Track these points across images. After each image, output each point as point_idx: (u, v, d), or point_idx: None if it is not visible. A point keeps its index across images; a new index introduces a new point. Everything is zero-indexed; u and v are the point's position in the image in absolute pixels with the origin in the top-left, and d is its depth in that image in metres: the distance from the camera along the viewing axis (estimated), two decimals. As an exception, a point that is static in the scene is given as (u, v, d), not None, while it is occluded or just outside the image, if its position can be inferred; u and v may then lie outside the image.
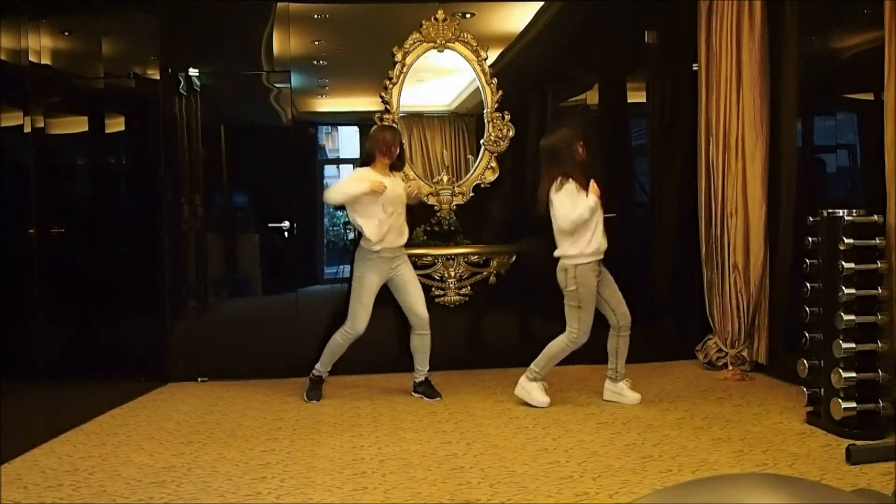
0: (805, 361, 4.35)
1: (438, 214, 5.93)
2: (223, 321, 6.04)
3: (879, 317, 4.12)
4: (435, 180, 5.96)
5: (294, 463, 3.94)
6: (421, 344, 5.11)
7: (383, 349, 5.64)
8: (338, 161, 6.45)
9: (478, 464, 3.85)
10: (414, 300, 5.06)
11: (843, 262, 4.11)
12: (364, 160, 5.09)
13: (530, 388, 4.85)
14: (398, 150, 5.03)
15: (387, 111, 5.88)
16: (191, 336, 5.86)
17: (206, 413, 4.93)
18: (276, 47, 5.89)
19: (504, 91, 5.97)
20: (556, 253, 4.80)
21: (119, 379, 5.33)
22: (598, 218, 4.74)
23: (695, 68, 5.88)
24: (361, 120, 6.05)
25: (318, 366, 5.15)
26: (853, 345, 4.08)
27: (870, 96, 4.56)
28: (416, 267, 5.87)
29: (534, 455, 3.96)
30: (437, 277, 5.94)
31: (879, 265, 4.15)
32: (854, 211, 4.21)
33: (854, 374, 4.07)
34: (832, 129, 5.33)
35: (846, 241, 4.12)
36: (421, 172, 5.98)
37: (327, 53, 6.05)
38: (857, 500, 1.58)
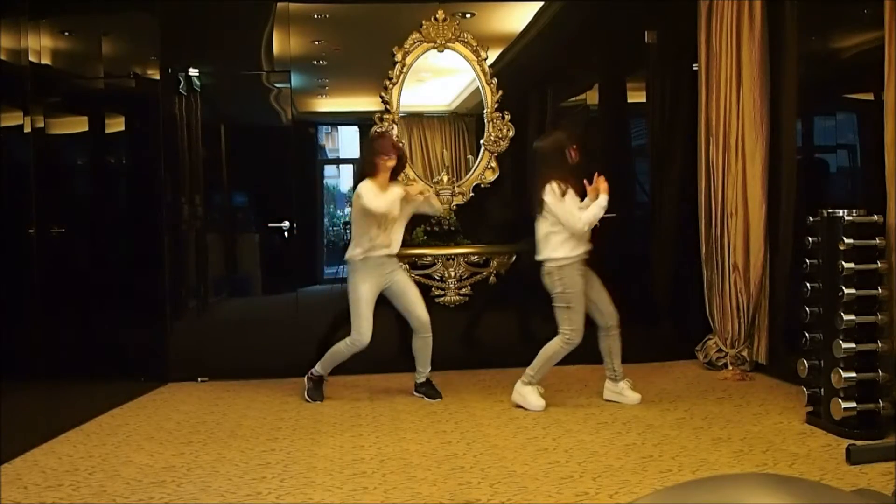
0: (805, 361, 4.35)
1: (438, 214, 5.93)
2: (223, 321, 6.04)
3: (879, 317, 4.12)
4: (435, 180, 5.96)
5: (294, 463, 3.93)
6: (423, 347, 5.11)
7: (383, 349, 5.63)
8: (338, 161, 6.45)
9: (478, 464, 3.85)
10: (413, 304, 5.06)
11: (843, 262, 4.11)
12: (365, 171, 4.99)
13: (525, 393, 4.84)
14: (399, 153, 5.02)
15: (387, 111, 5.89)
16: (191, 336, 5.86)
17: (206, 413, 4.93)
18: (276, 47, 5.90)
19: (504, 91, 5.97)
20: (540, 256, 4.80)
21: (119, 379, 5.33)
22: None
23: (695, 68, 5.88)
24: (361, 120, 6.05)
25: (318, 367, 5.15)
26: (853, 345, 4.07)
27: (870, 96, 4.56)
28: (415, 267, 5.90)
29: (534, 455, 3.96)
30: (437, 277, 5.94)
31: (879, 265, 4.15)
32: (854, 211, 4.21)
33: (854, 374, 4.07)
34: (832, 129, 5.33)
35: (846, 241, 4.12)
36: (421, 172, 5.98)
37: (327, 53, 6.05)
38: (857, 500, 1.58)
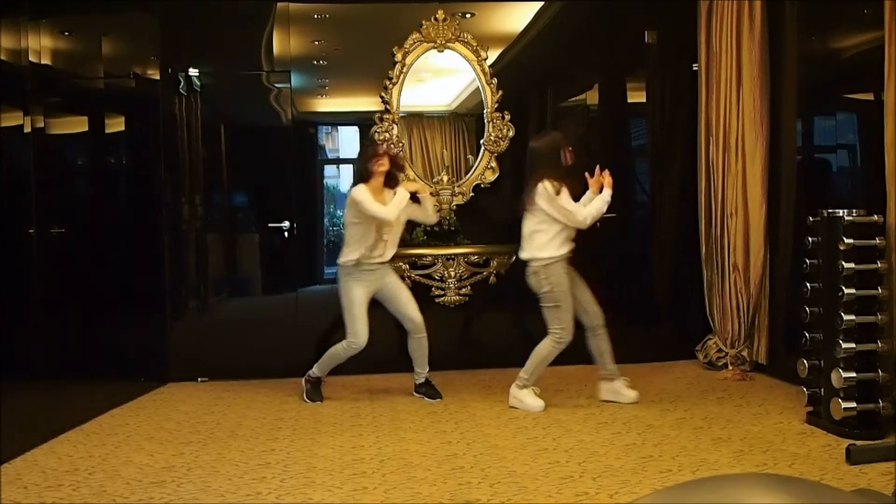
0: (805, 361, 4.35)
1: (438, 214, 5.93)
2: (223, 321, 6.04)
3: (879, 317, 4.12)
4: (435, 180, 5.96)
5: (294, 463, 3.93)
6: (419, 347, 5.10)
7: (383, 349, 5.63)
8: (338, 161, 6.45)
9: (478, 464, 3.85)
10: (406, 306, 5.06)
11: (843, 262, 4.11)
12: (361, 176, 5.00)
13: (521, 396, 4.84)
14: (392, 157, 5.02)
15: (387, 111, 5.89)
16: (191, 336, 5.86)
17: (206, 413, 4.93)
18: (276, 47, 5.90)
19: (504, 91, 5.97)
20: (525, 255, 4.80)
21: (119, 379, 5.34)
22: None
23: (695, 68, 5.88)
24: (361, 120, 6.05)
25: (315, 370, 5.15)
26: (853, 345, 4.08)
27: (870, 96, 4.56)
28: (415, 267, 5.90)
29: (534, 455, 3.96)
30: (437, 277, 5.94)
31: (879, 265, 4.15)
32: (854, 211, 4.21)
33: (854, 374, 4.06)
34: (832, 129, 5.33)
35: (846, 241, 4.12)
36: (421, 172, 5.98)
37: (327, 53, 6.05)
38: (857, 500, 1.58)
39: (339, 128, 6.37)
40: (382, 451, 4.09)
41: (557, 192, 4.65)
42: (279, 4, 5.87)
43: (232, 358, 5.83)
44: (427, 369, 5.15)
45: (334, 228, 6.27)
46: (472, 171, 6.01)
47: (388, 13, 6.01)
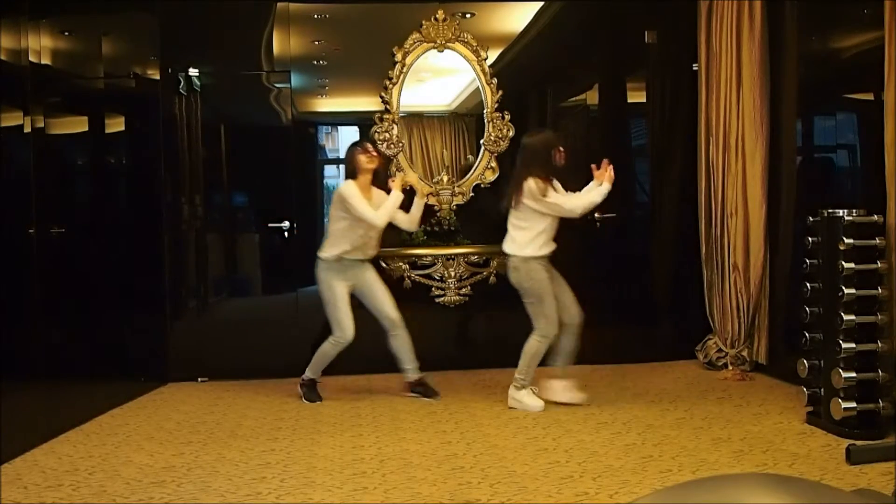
0: (805, 361, 4.35)
1: (438, 214, 5.93)
2: (223, 321, 6.04)
3: (879, 317, 4.12)
4: (435, 180, 5.96)
5: (294, 463, 3.94)
6: (401, 344, 5.09)
7: (383, 349, 5.62)
8: (338, 161, 6.44)
9: (478, 464, 3.85)
10: (382, 303, 5.06)
11: (843, 262, 4.11)
12: (347, 173, 5.06)
13: (520, 397, 4.84)
14: (375, 156, 5.03)
15: (387, 111, 5.89)
16: (191, 336, 5.86)
17: (206, 413, 4.93)
18: (276, 47, 5.89)
19: (504, 91, 5.96)
20: (507, 250, 4.81)
21: (119, 379, 5.34)
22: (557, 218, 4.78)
23: (695, 68, 5.88)
24: (361, 120, 6.05)
25: (307, 372, 5.15)
26: (853, 345, 4.08)
27: (870, 96, 4.56)
28: (415, 267, 5.90)
29: (534, 455, 3.96)
30: (437, 277, 5.94)
31: (879, 265, 4.15)
32: (854, 211, 4.21)
33: (854, 374, 4.07)
34: (832, 129, 5.33)
35: (846, 241, 4.12)
36: (421, 172, 5.98)
37: (327, 53, 6.05)
38: (857, 500, 1.58)
39: (339, 128, 6.37)
40: (382, 451, 4.09)
41: (543, 194, 4.65)
42: (279, 4, 5.87)
43: (232, 358, 5.83)
44: (416, 363, 5.12)
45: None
46: (472, 170, 6.00)
47: (388, 13, 6.01)
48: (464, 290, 5.96)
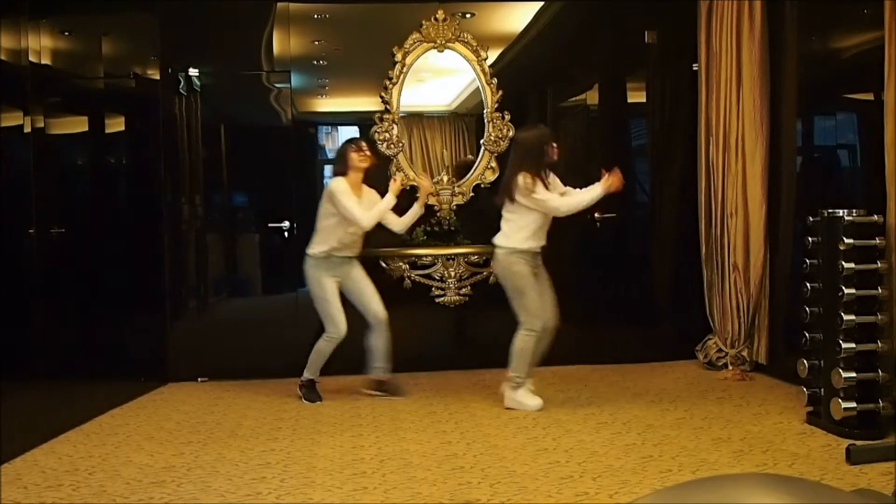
0: (805, 361, 4.35)
1: (438, 214, 5.93)
2: (223, 321, 6.04)
3: (879, 317, 4.12)
4: (435, 180, 5.96)
5: (294, 463, 3.94)
6: (381, 342, 5.07)
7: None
8: (338, 161, 6.44)
9: (478, 464, 3.85)
10: (370, 299, 5.06)
11: (843, 262, 4.11)
12: (336, 169, 5.06)
13: (518, 396, 4.82)
14: (368, 155, 5.03)
15: (387, 111, 5.89)
16: (191, 336, 5.86)
17: (206, 413, 4.93)
18: (276, 47, 5.89)
19: (504, 91, 5.96)
20: (496, 241, 4.81)
21: (119, 379, 5.34)
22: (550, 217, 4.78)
23: (695, 68, 5.88)
24: (361, 120, 6.05)
25: (305, 373, 5.14)
26: (853, 345, 4.08)
27: (870, 96, 4.56)
28: (415, 267, 5.90)
29: (534, 455, 3.96)
30: (437, 277, 5.94)
31: (879, 265, 4.15)
32: (854, 211, 4.21)
33: (854, 374, 4.06)
34: (832, 129, 5.33)
35: (846, 241, 4.12)
36: (421, 172, 5.97)
37: (327, 53, 6.05)
38: (857, 500, 1.58)
39: (339, 128, 6.36)
40: (382, 451, 4.09)
41: (531, 190, 4.65)
42: (279, 4, 5.87)
43: (232, 358, 5.83)
44: (389, 364, 5.12)
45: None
46: (472, 170, 6.00)
47: (388, 13, 6.01)
48: (464, 290, 5.96)
